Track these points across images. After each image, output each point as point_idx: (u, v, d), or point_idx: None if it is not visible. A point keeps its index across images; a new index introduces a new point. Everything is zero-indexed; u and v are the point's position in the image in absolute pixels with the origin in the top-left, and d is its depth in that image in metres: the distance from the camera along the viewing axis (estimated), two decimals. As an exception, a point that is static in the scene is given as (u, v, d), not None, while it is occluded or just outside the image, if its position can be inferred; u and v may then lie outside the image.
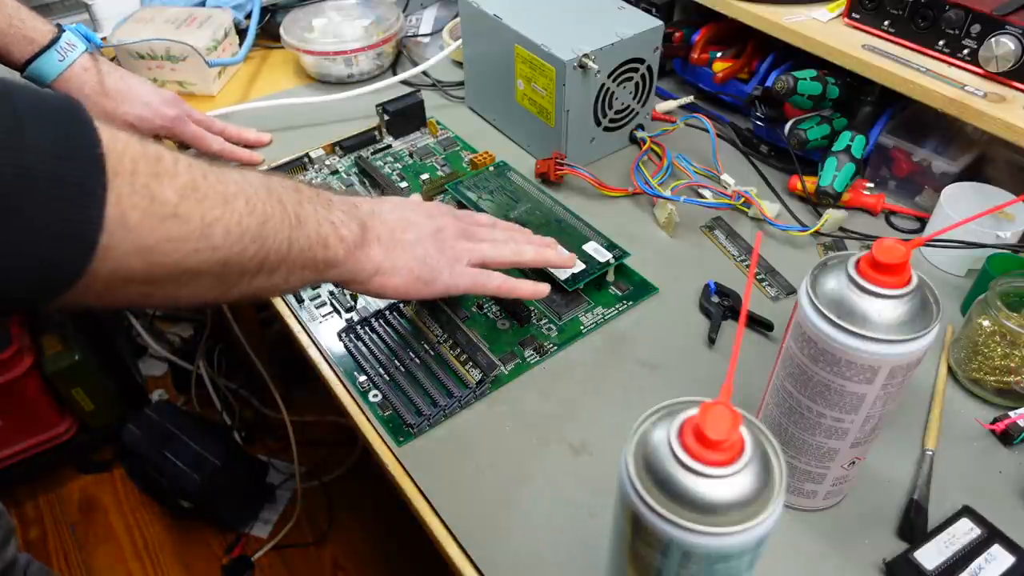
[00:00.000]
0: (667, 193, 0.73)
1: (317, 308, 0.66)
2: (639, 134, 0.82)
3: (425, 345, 0.61)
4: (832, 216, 0.70)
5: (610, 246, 0.67)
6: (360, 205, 0.53)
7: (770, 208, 0.73)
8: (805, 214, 0.74)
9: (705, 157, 0.80)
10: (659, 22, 0.76)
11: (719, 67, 0.86)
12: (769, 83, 0.76)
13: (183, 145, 0.81)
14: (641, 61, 0.77)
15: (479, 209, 0.72)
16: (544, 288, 0.60)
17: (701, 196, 0.75)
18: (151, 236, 0.35)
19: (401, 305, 0.64)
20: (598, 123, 0.79)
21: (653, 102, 0.83)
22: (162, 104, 0.77)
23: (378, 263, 0.52)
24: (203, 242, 0.38)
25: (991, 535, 0.47)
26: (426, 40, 1.03)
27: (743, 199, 0.73)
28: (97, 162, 0.33)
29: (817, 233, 0.71)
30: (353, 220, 0.50)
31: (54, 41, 0.71)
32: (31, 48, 0.70)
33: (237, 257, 0.41)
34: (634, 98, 0.80)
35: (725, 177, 0.76)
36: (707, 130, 0.79)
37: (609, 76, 0.76)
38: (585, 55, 0.71)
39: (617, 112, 0.80)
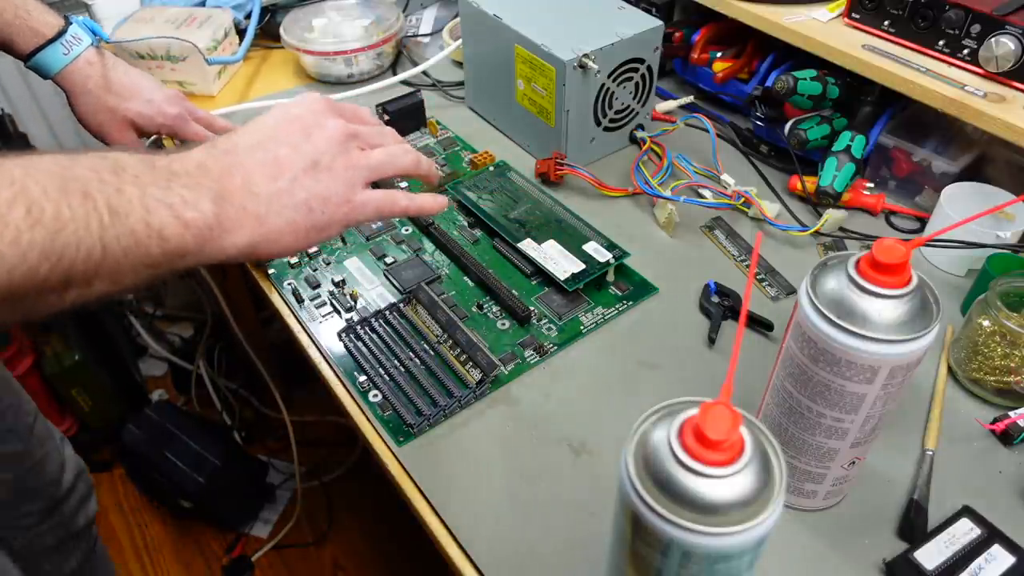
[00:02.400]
0: (667, 193, 0.73)
1: (317, 308, 0.66)
2: (639, 134, 0.82)
3: (425, 345, 0.61)
4: (832, 216, 0.70)
5: (610, 246, 0.67)
6: (210, 165, 0.43)
7: (770, 208, 0.73)
8: (805, 214, 0.74)
9: (705, 157, 0.80)
10: (659, 22, 0.76)
11: (719, 67, 0.86)
12: (769, 83, 0.76)
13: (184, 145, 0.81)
14: (641, 61, 0.77)
15: (479, 210, 0.72)
16: (443, 199, 0.55)
17: (701, 196, 0.75)
18: None
19: (401, 305, 0.64)
20: (598, 123, 0.79)
21: (653, 102, 0.83)
22: (165, 102, 0.77)
23: (250, 236, 0.43)
24: None
25: (991, 535, 0.47)
26: (426, 40, 1.03)
27: (743, 199, 0.73)
28: None
29: (817, 233, 0.71)
30: (203, 195, 0.41)
31: (60, 34, 0.71)
32: (36, 40, 0.70)
33: (24, 280, 0.33)
34: (634, 98, 0.80)
35: (725, 177, 0.76)
36: (707, 130, 0.79)
37: (609, 76, 0.76)
38: (585, 55, 0.71)
39: (617, 112, 0.80)
